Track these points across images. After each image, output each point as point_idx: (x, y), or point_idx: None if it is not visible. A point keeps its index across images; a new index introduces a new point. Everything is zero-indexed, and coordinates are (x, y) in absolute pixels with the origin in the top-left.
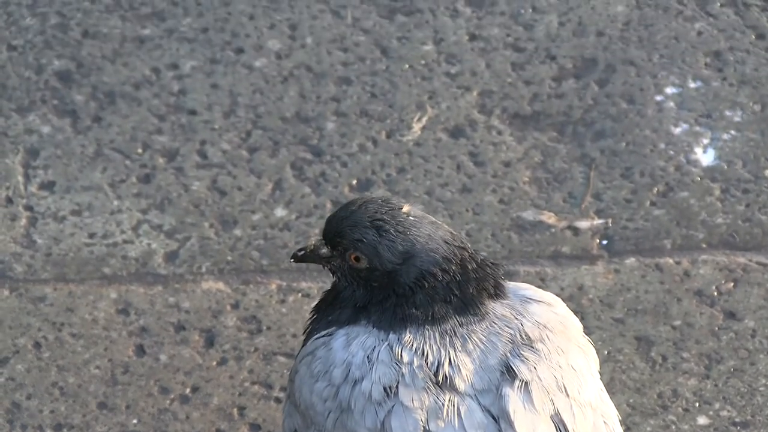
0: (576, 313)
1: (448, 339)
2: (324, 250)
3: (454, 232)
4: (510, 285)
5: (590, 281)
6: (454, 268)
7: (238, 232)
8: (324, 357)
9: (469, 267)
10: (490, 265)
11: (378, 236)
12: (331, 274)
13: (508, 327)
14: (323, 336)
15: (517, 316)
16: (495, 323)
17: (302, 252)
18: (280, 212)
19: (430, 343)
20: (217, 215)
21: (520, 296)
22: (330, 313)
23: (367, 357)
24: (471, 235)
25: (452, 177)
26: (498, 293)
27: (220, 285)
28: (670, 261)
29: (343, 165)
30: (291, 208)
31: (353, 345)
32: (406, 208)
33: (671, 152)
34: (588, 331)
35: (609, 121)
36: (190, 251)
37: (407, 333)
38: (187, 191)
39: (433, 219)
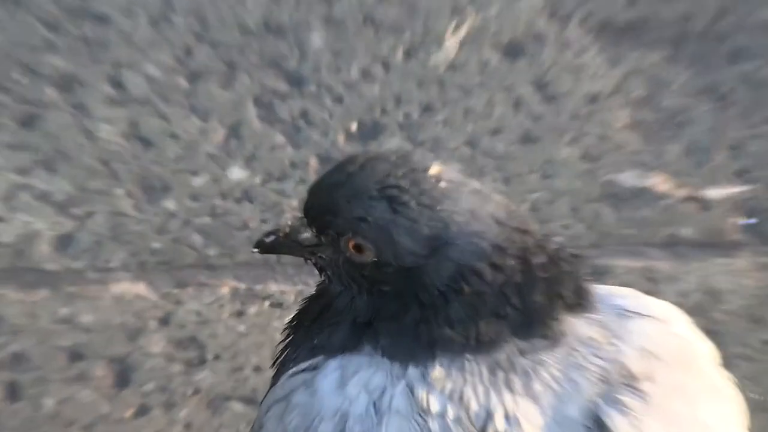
0: (707, 333)
1: (501, 376)
2: (306, 235)
3: (512, 207)
4: (600, 290)
5: (727, 283)
6: (511, 263)
7: (170, 204)
8: (305, 404)
9: (535, 261)
10: (568, 258)
11: (391, 213)
12: (317, 272)
13: (598, 357)
14: (304, 371)
15: (613, 340)
16: (577, 350)
17: (272, 237)
18: (236, 173)
19: (473, 382)
20: (137, 178)
21: (617, 307)
22: (315, 333)
23: (374, 404)
24: (539, 209)
25: (508, 119)
26: (581, 303)
27: (141, 288)
28: None
29: (337, 100)
30: (254, 167)
31: (351, 385)
32: (435, 170)
33: None
34: (726, 361)
35: (747, 36)
36: (94, 234)
37: (437, 366)
38: (92, 140)
39: (479, 186)
